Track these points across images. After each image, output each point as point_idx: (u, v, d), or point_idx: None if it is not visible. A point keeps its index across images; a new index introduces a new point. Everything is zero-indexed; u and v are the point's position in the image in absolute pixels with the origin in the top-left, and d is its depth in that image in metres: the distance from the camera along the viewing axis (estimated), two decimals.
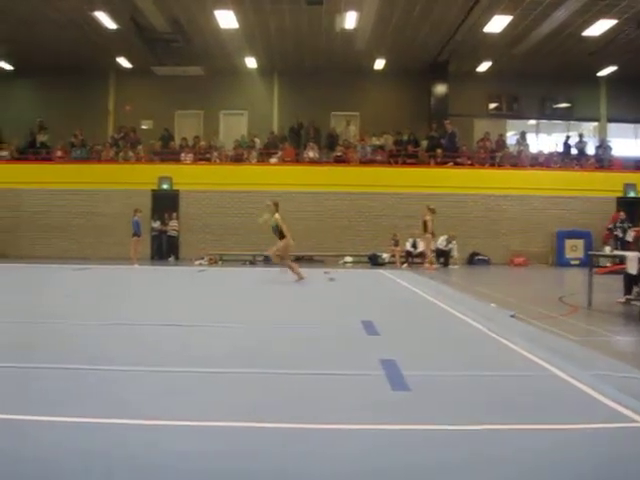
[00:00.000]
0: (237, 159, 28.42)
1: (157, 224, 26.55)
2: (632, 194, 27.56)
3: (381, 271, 21.93)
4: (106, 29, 24.79)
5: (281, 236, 16.59)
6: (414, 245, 24.84)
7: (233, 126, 31.23)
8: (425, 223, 23.07)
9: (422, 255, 24.47)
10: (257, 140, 29.30)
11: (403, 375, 6.05)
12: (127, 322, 9.44)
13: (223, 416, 4.77)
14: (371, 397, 5.40)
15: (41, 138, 29.68)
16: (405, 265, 24.41)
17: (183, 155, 28.26)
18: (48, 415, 4.68)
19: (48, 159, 28.67)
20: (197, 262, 24.31)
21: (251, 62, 29.12)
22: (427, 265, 23.21)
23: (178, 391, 5.56)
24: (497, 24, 23.54)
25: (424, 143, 29.23)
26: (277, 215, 16.66)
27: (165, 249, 26.69)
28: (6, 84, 31.00)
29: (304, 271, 16.96)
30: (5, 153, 28.76)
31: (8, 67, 30.20)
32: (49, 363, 6.46)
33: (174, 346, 7.65)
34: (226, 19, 23.41)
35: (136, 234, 22.85)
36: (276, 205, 16.82)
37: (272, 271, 18.86)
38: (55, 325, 9.09)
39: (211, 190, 26.86)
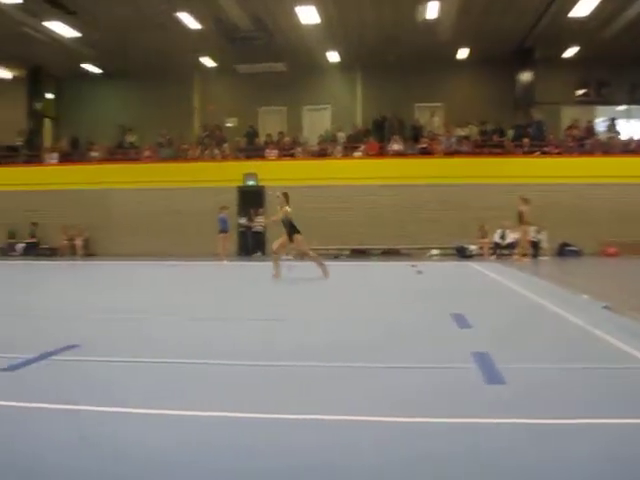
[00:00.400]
0: (321, 154, 28.49)
1: (243, 220, 26.84)
2: None
3: (469, 263, 21.67)
4: (190, 29, 25.20)
5: (291, 230, 15.40)
6: (502, 236, 24.46)
7: (316, 121, 31.34)
8: (521, 214, 22.56)
9: (511, 246, 24.08)
10: (341, 134, 29.31)
11: (497, 368, 5.93)
12: (222, 317, 9.60)
13: (310, 410, 4.75)
14: (464, 390, 5.32)
15: (130, 139, 30.40)
16: (493, 257, 24.06)
17: (268, 151, 28.47)
18: (138, 408, 4.76)
19: (136, 159, 29.34)
20: (284, 258, 24.37)
21: (333, 56, 29.10)
22: (518, 257, 22.78)
23: (256, 384, 5.60)
24: (584, 7, 22.89)
25: (510, 133, 28.72)
26: (287, 208, 15.51)
27: (251, 245, 26.93)
28: (95, 87, 31.96)
29: (391, 264, 16.80)
30: (95, 154, 29.55)
31: (97, 70, 31.09)
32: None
33: (263, 341, 7.70)
34: (308, 14, 23.47)
35: (223, 230, 23.17)
36: (286, 196, 15.73)
37: (357, 265, 18.79)
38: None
39: (296, 185, 26.83)
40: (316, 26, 24.66)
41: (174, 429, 4.38)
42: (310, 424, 4.47)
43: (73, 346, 7.00)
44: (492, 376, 5.66)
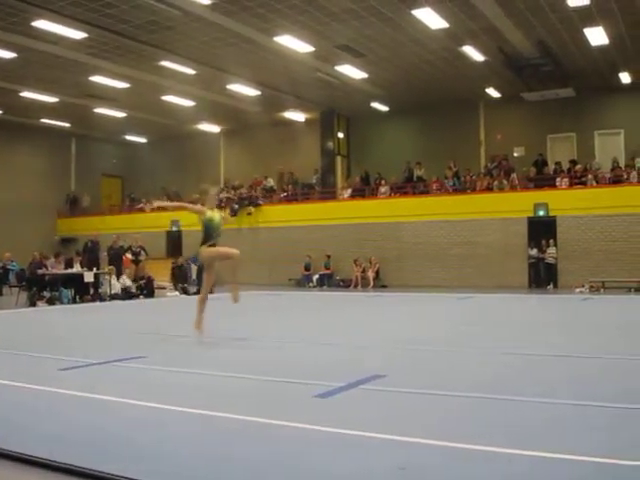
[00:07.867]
0: (615, 181, 26.88)
1: (534, 252, 26.18)
2: None
3: None
4: (474, 61, 25.34)
5: None
6: None
7: (608, 146, 29.74)
8: None
9: None
10: (638, 160, 27.45)
11: None
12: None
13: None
14: None
15: (417, 172, 31.00)
16: None
17: (558, 180, 27.53)
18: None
19: (425, 192, 29.82)
20: (577, 290, 23.49)
21: (625, 77, 27.55)
22: None
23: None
24: None
25: None
26: None
27: (543, 276, 26.15)
28: (382, 124, 33.27)
29: None
30: (385, 189, 30.46)
31: (384, 108, 32.21)
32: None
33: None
34: (596, 36, 22.58)
35: None
36: None
37: None
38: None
39: (589, 215, 25.77)
40: (605, 47, 23.63)
41: (482, 464, 4.32)
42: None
43: (380, 376, 7.20)
44: None
